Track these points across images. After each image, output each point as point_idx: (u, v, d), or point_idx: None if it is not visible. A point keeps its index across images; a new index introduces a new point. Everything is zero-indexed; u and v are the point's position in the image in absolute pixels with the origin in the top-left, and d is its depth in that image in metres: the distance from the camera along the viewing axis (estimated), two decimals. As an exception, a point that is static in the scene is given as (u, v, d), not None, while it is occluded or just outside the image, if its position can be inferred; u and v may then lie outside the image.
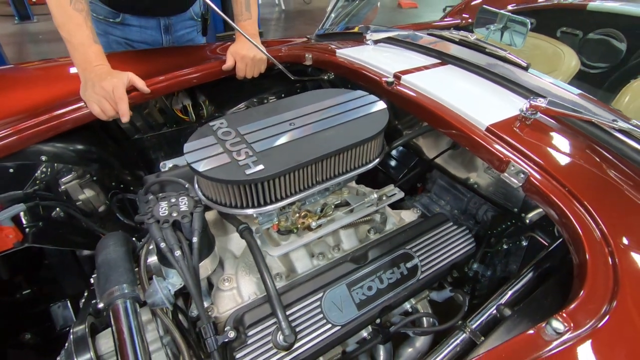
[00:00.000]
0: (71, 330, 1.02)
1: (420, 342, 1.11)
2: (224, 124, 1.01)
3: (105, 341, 1.05)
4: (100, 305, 0.89)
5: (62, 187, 1.56)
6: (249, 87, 1.84)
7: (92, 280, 1.23)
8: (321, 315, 0.86)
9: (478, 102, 1.02)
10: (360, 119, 1.02)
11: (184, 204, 0.94)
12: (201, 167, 0.86)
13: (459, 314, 0.99)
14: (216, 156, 0.89)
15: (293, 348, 0.81)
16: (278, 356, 0.80)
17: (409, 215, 1.26)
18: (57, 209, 1.42)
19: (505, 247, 1.31)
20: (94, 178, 1.48)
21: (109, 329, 1.09)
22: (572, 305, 0.62)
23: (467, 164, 1.30)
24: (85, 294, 1.17)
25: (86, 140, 1.41)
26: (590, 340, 0.56)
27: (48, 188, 1.45)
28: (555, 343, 0.57)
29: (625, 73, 2.15)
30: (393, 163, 1.81)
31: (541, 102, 0.93)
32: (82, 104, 1.29)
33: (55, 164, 1.41)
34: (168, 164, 1.47)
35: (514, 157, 0.86)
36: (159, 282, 0.95)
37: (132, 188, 1.55)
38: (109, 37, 1.88)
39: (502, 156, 0.87)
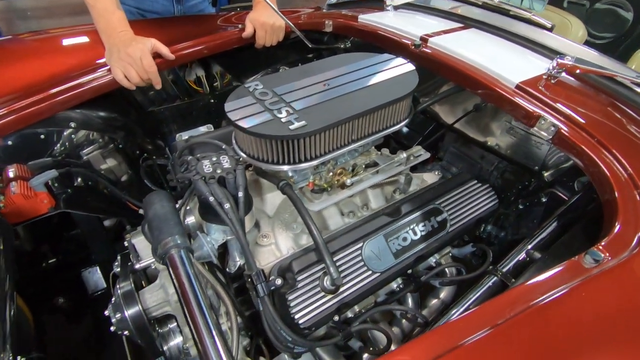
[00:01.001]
0: (117, 286, 1.07)
1: (445, 292, 1.19)
2: (259, 85, 1.04)
3: (149, 296, 1.11)
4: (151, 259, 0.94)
5: (85, 157, 1.58)
6: (264, 57, 1.85)
7: (126, 243, 1.27)
8: (362, 263, 0.92)
9: (505, 62, 1.05)
10: (391, 80, 1.05)
11: (225, 161, 0.98)
12: (245, 124, 0.89)
13: (485, 263, 1.06)
14: (258, 114, 0.92)
15: (338, 292, 0.87)
16: (325, 299, 0.86)
17: (430, 177, 1.31)
18: (84, 177, 1.44)
19: (520, 207, 1.37)
20: (120, 145, 1.50)
21: (151, 285, 1.14)
22: (607, 238, 0.67)
23: (486, 127, 1.35)
24: (119, 257, 1.21)
25: (111, 108, 1.42)
26: (628, 266, 0.62)
27: (73, 157, 1.48)
28: (595, 270, 0.63)
29: (632, 43, 2.18)
30: (405, 131, 1.84)
31: (568, 60, 0.97)
32: (98, 73, 1.29)
33: (81, 131, 1.43)
34: (184, 135, 1.50)
35: (543, 112, 0.90)
36: (204, 237, 1.00)
37: (154, 157, 1.57)
38: (122, 6, 1.85)
39: (532, 111, 0.91)
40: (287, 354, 1.03)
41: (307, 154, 0.94)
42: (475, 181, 1.14)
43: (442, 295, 1.18)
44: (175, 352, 1.17)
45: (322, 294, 0.86)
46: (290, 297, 0.83)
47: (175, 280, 0.81)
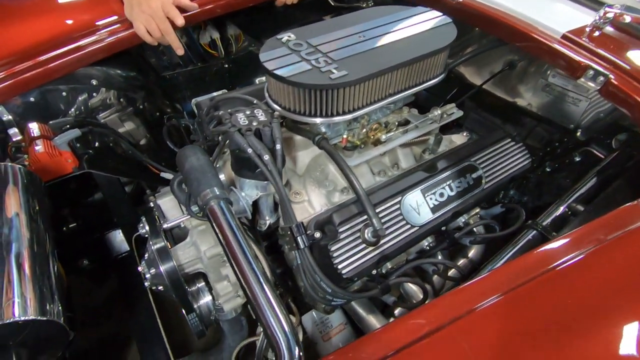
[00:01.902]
0: (149, 243, 1.07)
1: (474, 251, 1.19)
2: (292, 36, 1.00)
3: (182, 253, 1.11)
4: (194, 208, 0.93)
5: (102, 121, 1.55)
6: (282, 18, 1.78)
7: (151, 204, 1.26)
8: (401, 217, 0.91)
9: (548, 13, 1.01)
10: (428, 32, 1.02)
11: (260, 114, 0.95)
12: (283, 73, 0.86)
13: (518, 221, 1.05)
14: (295, 64, 0.89)
15: (379, 244, 0.86)
16: (366, 251, 0.85)
17: (459, 139, 1.29)
18: (105, 138, 1.42)
19: (548, 169, 1.36)
20: (141, 106, 1.47)
21: (183, 242, 1.14)
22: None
23: (517, 86, 1.31)
24: (143, 218, 1.20)
25: (130, 67, 1.38)
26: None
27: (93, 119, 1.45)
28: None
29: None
30: (424, 95, 1.80)
31: (617, 9, 0.93)
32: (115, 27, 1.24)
33: (99, 94, 1.40)
34: (200, 100, 1.46)
35: (591, 61, 0.87)
36: (238, 192, 0.99)
37: (177, 117, 1.54)
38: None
39: (579, 61, 0.88)
40: (321, 308, 1.04)
41: (344, 107, 0.92)
42: (509, 139, 1.12)
43: (471, 254, 1.18)
44: (205, 310, 1.19)
45: (364, 245, 0.85)
46: (332, 248, 0.82)
47: (217, 231, 0.80)
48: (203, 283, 1.22)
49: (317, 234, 0.88)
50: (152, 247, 1.03)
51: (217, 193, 0.84)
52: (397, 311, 1.06)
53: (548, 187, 1.34)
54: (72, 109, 1.41)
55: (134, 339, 1.46)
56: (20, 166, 1.00)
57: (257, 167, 0.95)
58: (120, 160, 1.47)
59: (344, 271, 0.82)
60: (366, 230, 0.85)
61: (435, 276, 1.08)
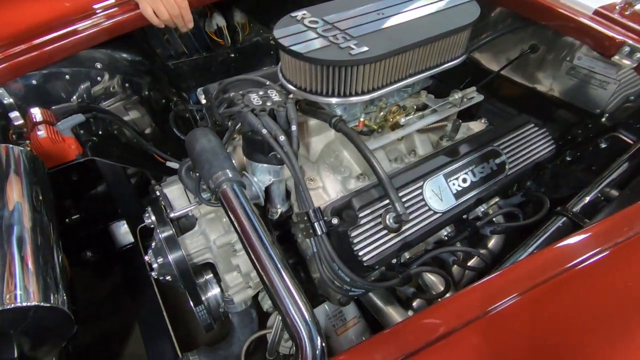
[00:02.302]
0: (157, 232, 1.02)
1: (493, 242, 1.14)
2: (307, 14, 0.95)
3: (190, 242, 1.06)
4: (203, 192, 0.89)
5: (106, 109, 1.50)
6: (291, 2, 1.73)
7: (157, 192, 1.22)
8: (423, 202, 0.86)
9: (577, -11, 0.96)
10: (450, 10, 0.97)
11: (274, 95, 0.90)
12: (300, 49, 0.81)
13: (542, 210, 1.00)
14: (312, 40, 0.84)
15: (401, 231, 0.82)
16: (388, 237, 0.81)
17: (477, 126, 1.24)
18: (109, 124, 1.37)
19: (568, 158, 1.31)
20: (146, 92, 1.42)
21: (191, 231, 1.10)
22: None
23: (539, 71, 1.26)
24: (149, 208, 1.16)
25: (136, 51, 1.33)
26: None
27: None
28: None
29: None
30: (435, 84, 1.75)
31: (651, -17, 0.87)
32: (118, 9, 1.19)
33: (103, 80, 1.35)
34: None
35: (627, 38, 0.82)
36: (251, 177, 0.94)
37: (180, 106, 1.49)
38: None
39: (614, 38, 0.83)
40: (336, 300, 0.99)
41: (362, 87, 0.87)
42: (532, 124, 1.07)
43: (491, 244, 1.14)
44: (214, 303, 1.14)
45: (385, 232, 0.81)
46: (352, 234, 0.78)
47: (231, 216, 0.75)
48: (211, 275, 1.18)
49: (335, 220, 0.83)
50: (160, 236, 0.99)
51: (230, 175, 0.79)
52: (415, 303, 1.02)
53: (566, 180, 1.29)
54: (75, 96, 1.37)
55: (139, 333, 1.41)
56: (23, 149, 0.95)
57: (271, 150, 0.91)
58: (124, 149, 1.42)
59: (365, 258, 0.77)
60: (387, 216, 0.80)
61: (455, 266, 1.03)
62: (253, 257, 0.70)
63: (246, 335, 1.11)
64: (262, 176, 0.96)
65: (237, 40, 1.95)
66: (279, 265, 0.68)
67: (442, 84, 1.65)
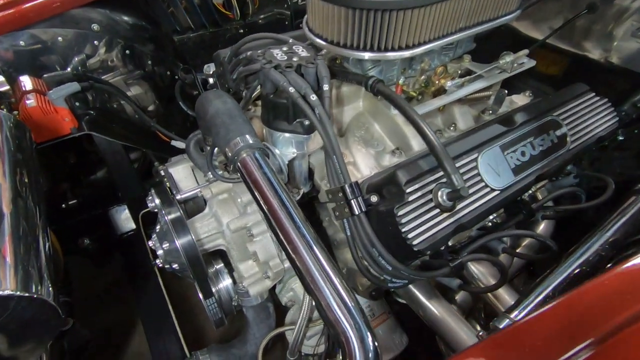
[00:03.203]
0: (162, 213, 0.89)
1: (543, 227, 1.01)
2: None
3: (200, 225, 0.93)
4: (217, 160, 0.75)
5: (105, 82, 1.36)
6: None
7: (162, 172, 1.09)
8: (479, 178, 0.73)
9: None
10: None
11: (301, 51, 0.77)
12: (334, -9, 0.67)
13: (607, 191, 0.86)
14: (346, -18, 0.70)
15: (454, 210, 0.68)
16: (440, 218, 0.67)
17: (520, 99, 1.10)
18: (108, 96, 1.24)
19: (620, 138, 1.16)
20: (149, 61, 1.28)
21: (201, 214, 0.96)
22: None
23: (590, 36, 1.12)
24: (152, 190, 1.03)
25: (138, 15, 1.19)
26: None
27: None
28: None
29: None
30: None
31: None
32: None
33: (101, 52, 1.21)
34: (211, 66, 1.28)
35: None
36: (272, 149, 0.81)
37: (188, 74, 1.35)
38: None
39: None
40: (367, 292, 0.86)
41: (401, 40, 0.73)
42: (593, 93, 0.93)
43: (540, 230, 1.00)
44: (225, 296, 1.01)
45: (437, 211, 0.67)
46: (400, 213, 0.64)
47: (253, 189, 0.62)
48: (222, 264, 1.05)
49: (374, 198, 0.70)
50: (166, 218, 0.85)
51: (251, 142, 0.66)
52: (459, 296, 0.89)
53: (622, 161, 1.15)
54: (70, 67, 1.23)
55: (142, 326, 1.29)
56: (6, 113, 0.82)
57: (296, 116, 0.77)
58: (125, 125, 1.29)
59: (415, 242, 0.64)
60: (440, 192, 0.67)
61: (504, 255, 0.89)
62: (282, 237, 0.57)
63: (262, 332, 0.98)
64: (284, 148, 0.83)
65: (246, 14, 1.80)
66: (314, 247, 0.55)
67: (476, 55, 1.51)
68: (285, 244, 0.56)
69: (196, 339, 1.32)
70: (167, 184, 1.09)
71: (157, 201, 1.00)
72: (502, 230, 0.81)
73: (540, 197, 1.00)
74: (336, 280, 0.52)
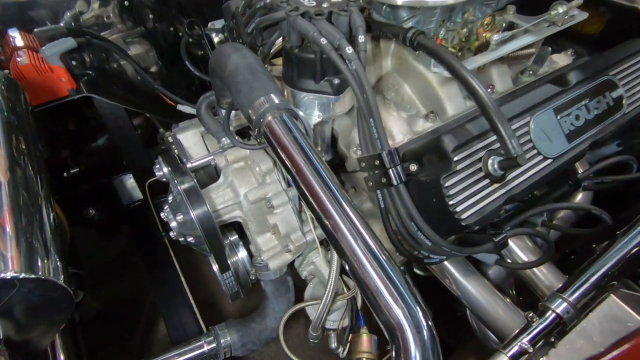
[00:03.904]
0: (175, 182, 0.82)
1: (581, 198, 0.94)
2: None
3: (216, 195, 0.87)
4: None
5: (102, 41, 1.25)
6: None
7: (169, 139, 1.02)
8: (531, 144, 0.65)
9: None
10: None
11: (331, -4, 0.66)
12: None
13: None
14: None
15: (505, 181, 0.61)
16: (491, 189, 0.60)
17: (562, 59, 1.00)
18: (106, 54, 1.13)
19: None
20: (152, 21, 1.16)
21: (216, 183, 0.89)
22: None
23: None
24: (159, 158, 0.95)
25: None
26: None
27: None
28: None
29: None
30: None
31: None
32: None
33: (96, 4, 1.09)
34: (216, 24, 1.17)
35: None
36: (297, 111, 0.72)
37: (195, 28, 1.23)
38: None
39: None
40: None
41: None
42: (652, 51, 0.83)
43: (579, 198, 0.94)
44: (242, 269, 0.96)
45: (487, 181, 0.60)
46: (447, 183, 0.57)
47: (282, 155, 0.54)
48: (236, 236, 0.99)
49: (413, 167, 0.63)
50: (179, 187, 0.78)
51: (277, 101, 0.58)
52: (491, 271, 0.84)
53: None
54: (62, 23, 1.12)
55: (152, 297, 1.26)
56: (-5, 71, 0.73)
57: (324, 74, 0.68)
58: (127, 87, 1.19)
59: (463, 216, 0.57)
60: (490, 159, 0.59)
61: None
62: (320, 212, 0.50)
63: (282, 306, 0.94)
64: (308, 111, 0.75)
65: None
66: (357, 223, 0.49)
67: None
68: (324, 219, 0.49)
69: (209, 307, 1.30)
70: (176, 151, 1.01)
71: (166, 170, 0.93)
72: (549, 203, 0.74)
73: (580, 168, 0.93)
74: (383, 259, 0.46)
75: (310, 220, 0.88)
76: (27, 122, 0.78)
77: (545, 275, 0.74)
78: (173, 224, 0.82)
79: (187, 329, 0.98)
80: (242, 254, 0.97)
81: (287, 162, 0.54)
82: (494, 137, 0.62)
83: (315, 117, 0.74)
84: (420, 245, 0.64)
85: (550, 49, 0.92)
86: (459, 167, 0.58)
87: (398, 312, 0.42)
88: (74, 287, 1.12)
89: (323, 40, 0.58)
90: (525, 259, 0.76)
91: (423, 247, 0.64)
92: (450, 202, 0.57)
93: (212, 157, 0.93)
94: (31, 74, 0.89)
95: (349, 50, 0.57)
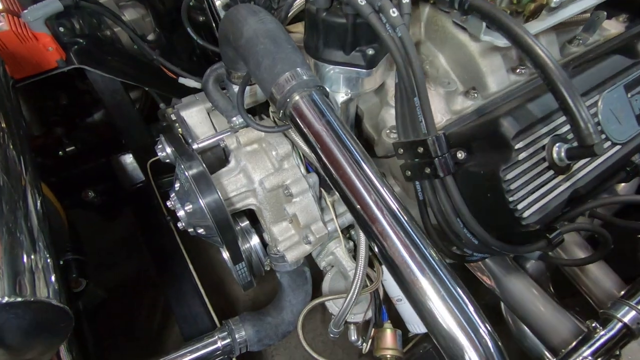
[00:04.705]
0: (181, 167, 0.73)
1: (623, 187, 0.86)
2: None
3: (227, 182, 0.78)
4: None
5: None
6: None
7: (172, 116, 0.93)
8: (599, 128, 0.56)
9: None
10: None
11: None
12: None
13: None
14: None
15: (570, 172, 0.52)
16: (555, 182, 0.51)
17: (614, 26, 0.88)
18: (98, 20, 1.01)
19: None
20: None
21: (226, 168, 0.81)
22: None
23: None
24: (161, 137, 0.86)
25: None
26: None
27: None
28: None
29: None
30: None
31: None
32: None
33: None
34: None
35: None
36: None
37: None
38: None
39: None
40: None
41: None
42: None
43: (620, 190, 0.85)
44: (255, 259, 0.89)
45: (551, 173, 0.51)
46: (507, 176, 0.48)
47: (315, 143, 0.45)
48: (247, 222, 0.92)
49: (461, 154, 0.54)
50: (187, 174, 0.70)
51: (306, 78, 0.48)
52: (530, 265, 0.77)
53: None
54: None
55: (157, 281, 1.21)
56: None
57: (356, 43, 0.58)
58: (123, 58, 1.08)
59: (525, 214, 0.49)
60: (555, 147, 0.50)
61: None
62: (363, 213, 0.42)
63: (299, 299, 0.88)
64: (335, 87, 0.65)
65: None
66: (410, 228, 0.40)
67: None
68: (369, 223, 0.41)
69: (218, 293, 1.25)
70: (179, 130, 0.92)
71: (169, 150, 0.84)
72: (610, 196, 0.66)
73: None
74: (445, 274, 0.38)
75: (331, 208, 0.80)
76: (7, 98, 0.68)
77: (596, 274, 0.67)
78: (181, 214, 0.74)
79: (199, 321, 0.93)
80: (255, 240, 0.89)
81: (320, 151, 0.45)
82: (559, 120, 0.53)
83: (343, 94, 0.64)
84: (465, 244, 0.56)
85: (605, 13, 0.80)
86: (521, 156, 0.49)
87: (463, 340, 0.35)
88: (77, 274, 1.07)
89: (362, 1, 0.48)
90: (572, 254, 0.69)
91: (468, 246, 0.56)
92: (511, 199, 0.48)
93: (221, 137, 0.84)
94: (12, 42, 0.78)
95: (394, 13, 0.47)
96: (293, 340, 1.21)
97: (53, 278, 0.47)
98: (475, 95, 0.70)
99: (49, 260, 0.52)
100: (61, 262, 0.94)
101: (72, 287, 1.00)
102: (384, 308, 0.85)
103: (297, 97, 0.47)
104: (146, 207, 1.19)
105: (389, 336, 0.81)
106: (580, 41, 0.82)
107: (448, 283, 0.39)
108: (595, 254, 0.64)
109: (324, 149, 0.45)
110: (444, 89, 0.70)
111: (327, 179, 0.46)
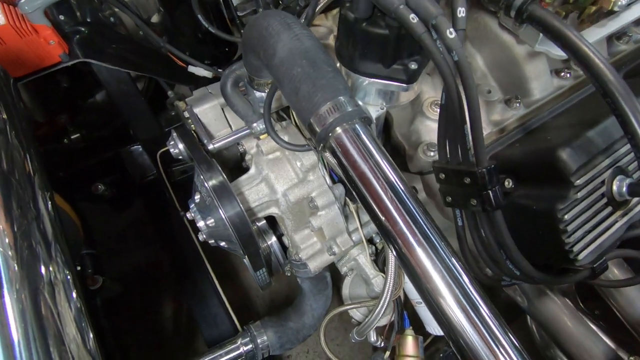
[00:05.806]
0: (200, 177, 0.70)
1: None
2: None
3: (249, 191, 0.74)
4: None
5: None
6: None
7: (185, 112, 0.87)
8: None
9: None
10: None
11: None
12: None
13: None
14: None
15: (627, 206, 0.49)
16: (612, 218, 0.48)
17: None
18: (100, 7, 0.93)
19: None
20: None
21: (247, 175, 0.77)
22: None
23: None
24: (174, 133, 0.81)
25: None
26: None
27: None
28: None
29: None
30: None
31: None
32: None
33: None
34: None
35: None
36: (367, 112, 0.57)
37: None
38: None
39: None
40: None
41: None
42: None
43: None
44: (275, 262, 0.88)
45: (609, 209, 0.47)
46: (565, 216, 0.44)
47: (357, 180, 0.41)
48: (264, 221, 0.89)
49: (508, 182, 0.50)
50: (207, 184, 0.66)
51: (350, 109, 0.43)
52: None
53: None
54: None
55: (173, 272, 1.20)
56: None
57: (398, 56, 0.52)
58: (127, 45, 1.00)
59: (581, 256, 0.46)
60: (616, 181, 0.46)
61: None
62: (411, 259, 0.39)
63: (320, 303, 0.87)
64: (368, 98, 0.59)
65: None
66: (461, 273, 0.38)
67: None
68: (416, 268, 0.38)
69: (234, 286, 1.25)
70: (193, 127, 0.87)
71: (181, 146, 0.79)
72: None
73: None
74: (490, 318, 0.36)
75: (356, 217, 0.77)
76: (9, 98, 0.62)
77: (631, 295, 0.65)
78: (201, 225, 0.71)
79: (219, 321, 0.93)
80: (272, 240, 0.87)
81: (362, 188, 0.41)
82: (622, 150, 0.48)
83: (377, 109, 0.59)
84: (506, 274, 0.54)
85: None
86: (580, 194, 0.45)
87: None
88: (92, 271, 1.06)
89: (413, 18, 0.42)
90: (610, 274, 0.67)
91: (508, 275, 0.54)
92: (567, 240, 0.45)
93: (239, 137, 0.79)
94: (11, 37, 0.71)
95: (451, 34, 0.41)
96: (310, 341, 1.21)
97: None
98: (517, 105, 0.65)
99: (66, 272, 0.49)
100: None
101: (88, 284, 1.00)
102: (406, 314, 0.84)
103: (339, 131, 0.42)
104: (158, 200, 1.16)
105: (410, 343, 0.81)
106: (631, 37, 0.75)
107: (477, 304, 0.37)
108: (637, 277, 0.61)
109: (368, 188, 0.42)
110: (483, 97, 0.64)
111: (372, 220, 0.42)
